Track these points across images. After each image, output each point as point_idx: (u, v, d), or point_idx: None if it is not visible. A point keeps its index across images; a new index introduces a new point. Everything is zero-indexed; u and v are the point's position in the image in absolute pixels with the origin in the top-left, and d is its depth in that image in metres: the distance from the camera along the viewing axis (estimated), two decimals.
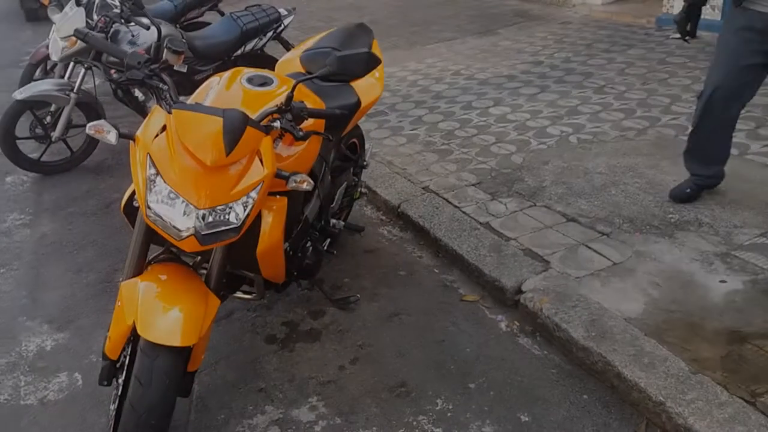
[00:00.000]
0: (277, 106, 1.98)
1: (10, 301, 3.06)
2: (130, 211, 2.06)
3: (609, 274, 2.81)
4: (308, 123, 2.12)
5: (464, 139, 4.30)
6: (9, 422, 2.34)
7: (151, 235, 1.96)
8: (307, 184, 1.97)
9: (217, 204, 1.78)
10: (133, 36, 3.90)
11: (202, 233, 1.77)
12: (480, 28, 7.05)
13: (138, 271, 1.96)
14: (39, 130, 4.24)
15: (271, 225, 2.02)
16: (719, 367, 2.25)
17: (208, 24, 4.85)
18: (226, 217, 1.81)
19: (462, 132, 4.43)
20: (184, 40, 1.93)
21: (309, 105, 2.11)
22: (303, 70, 2.74)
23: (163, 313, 1.82)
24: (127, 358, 1.93)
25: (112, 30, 3.84)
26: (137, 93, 4.21)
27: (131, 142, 1.92)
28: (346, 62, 1.99)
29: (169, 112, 1.84)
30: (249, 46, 4.36)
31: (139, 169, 1.82)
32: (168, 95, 1.88)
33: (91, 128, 1.83)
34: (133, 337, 1.88)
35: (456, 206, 3.47)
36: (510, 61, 5.86)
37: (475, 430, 2.19)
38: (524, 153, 4.02)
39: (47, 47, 4.87)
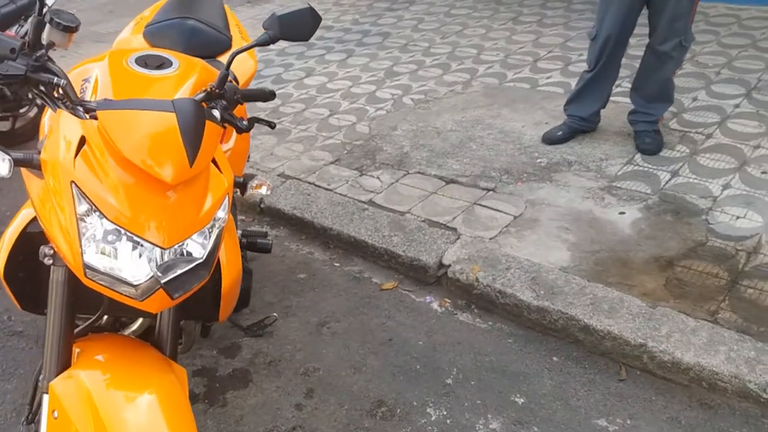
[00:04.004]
0: (206, 90, 1.46)
1: None
2: (15, 277, 1.39)
3: (517, 228, 2.74)
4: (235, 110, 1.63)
5: (295, 116, 3.91)
6: None
7: (75, 305, 1.34)
8: (267, 188, 1.53)
9: (186, 236, 1.25)
10: None
11: (163, 281, 1.23)
12: None
13: (67, 359, 1.33)
14: None
15: (230, 251, 1.52)
16: (668, 295, 2.30)
17: None
18: (185, 250, 1.28)
19: (288, 108, 4.03)
20: (73, 12, 1.29)
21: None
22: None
23: (129, 403, 1.25)
24: None
25: None
26: None
27: (25, 170, 1.28)
28: (289, 22, 1.53)
29: (87, 117, 1.23)
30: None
31: (57, 208, 1.20)
32: (67, 93, 1.26)
33: None
34: None
35: (327, 189, 3.13)
36: None
37: (483, 427, 1.96)
38: (367, 121, 3.78)
39: None
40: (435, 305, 2.51)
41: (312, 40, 5.25)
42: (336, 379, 2.15)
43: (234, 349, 2.30)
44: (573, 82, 3.94)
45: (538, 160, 3.21)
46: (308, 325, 2.40)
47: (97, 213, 1.19)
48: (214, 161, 1.38)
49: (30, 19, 1.31)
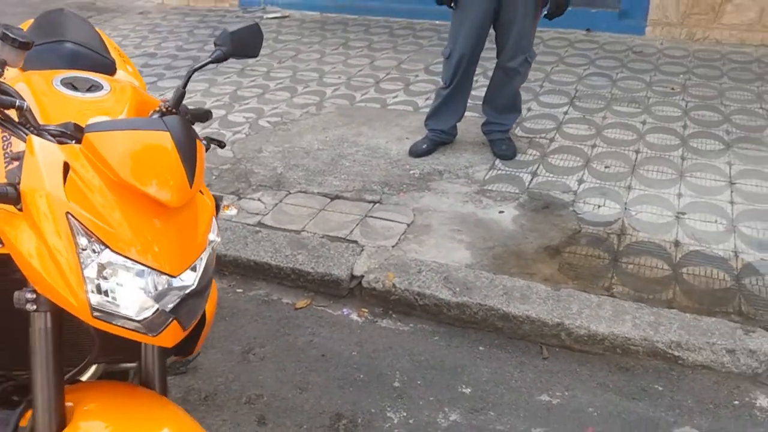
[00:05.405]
0: (160, 110, 1.36)
1: None
2: None
3: (414, 234, 2.84)
4: None
5: None
6: None
7: (62, 353, 1.14)
8: (234, 209, 1.45)
9: (191, 261, 1.13)
10: None
11: (172, 311, 1.11)
12: None
13: (62, 415, 1.12)
14: None
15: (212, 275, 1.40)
16: (566, 278, 2.55)
17: None
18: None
19: None
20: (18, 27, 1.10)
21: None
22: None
23: None
24: None
25: None
26: None
27: None
28: (241, 39, 1.47)
29: (54, 141, 1.08)
30: None
31: (43, 244, 1.02)
32: (27, 117, 1.09)
33: None
34: None
35: None
36: None
37: (444, 420, 2.00)
38: (228, 145, 3.65)
39: None
40: (354, 316, 2.50)
41: (137, 67, 4.96)
42: (284, 402, 2.05)
43: None
44: (418, 100, 4.22)
45: (411, 172, 3.36)
46: (233, 355, 2.26)
47: (98, 244, 1.04)
48: None
49: None
